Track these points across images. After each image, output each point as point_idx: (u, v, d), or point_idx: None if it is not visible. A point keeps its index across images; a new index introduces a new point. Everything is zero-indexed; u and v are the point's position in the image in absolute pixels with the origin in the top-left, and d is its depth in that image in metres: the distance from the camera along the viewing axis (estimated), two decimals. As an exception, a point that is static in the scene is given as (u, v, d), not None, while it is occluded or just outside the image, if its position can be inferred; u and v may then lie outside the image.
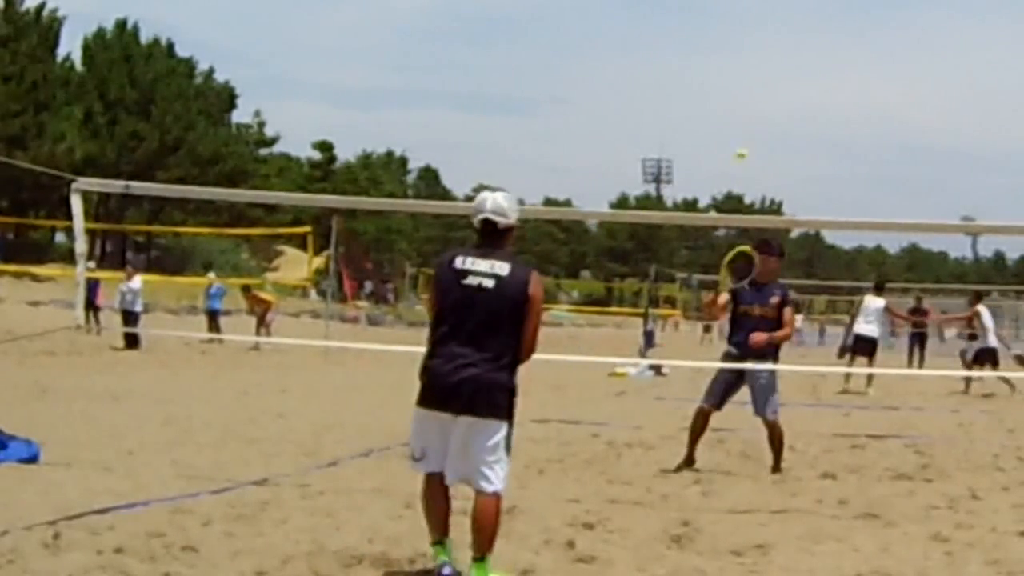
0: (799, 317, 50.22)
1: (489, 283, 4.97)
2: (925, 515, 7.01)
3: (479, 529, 4.92)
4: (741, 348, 8.44)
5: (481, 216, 5.11)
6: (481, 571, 4.90)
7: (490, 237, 5.10)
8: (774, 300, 8.45)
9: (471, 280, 4.98)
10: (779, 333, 8.48)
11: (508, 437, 4.99)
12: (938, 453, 10.04)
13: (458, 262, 5.05)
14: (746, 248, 8.49)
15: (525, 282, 5.01)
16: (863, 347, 18.19)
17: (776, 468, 8.62)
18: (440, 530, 5.04)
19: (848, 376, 17.64)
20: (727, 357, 8.60)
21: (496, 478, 4.94)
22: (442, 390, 4.94)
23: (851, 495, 7.65)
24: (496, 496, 4.94)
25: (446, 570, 4.96)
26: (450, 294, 5.02)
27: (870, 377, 17.24)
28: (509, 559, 5.37)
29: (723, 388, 8.50)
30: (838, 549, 5.97)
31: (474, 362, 4.90)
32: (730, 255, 8.49)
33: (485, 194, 5.21)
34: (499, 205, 5.11)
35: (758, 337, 8.32)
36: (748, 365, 8.36)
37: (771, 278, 8.54)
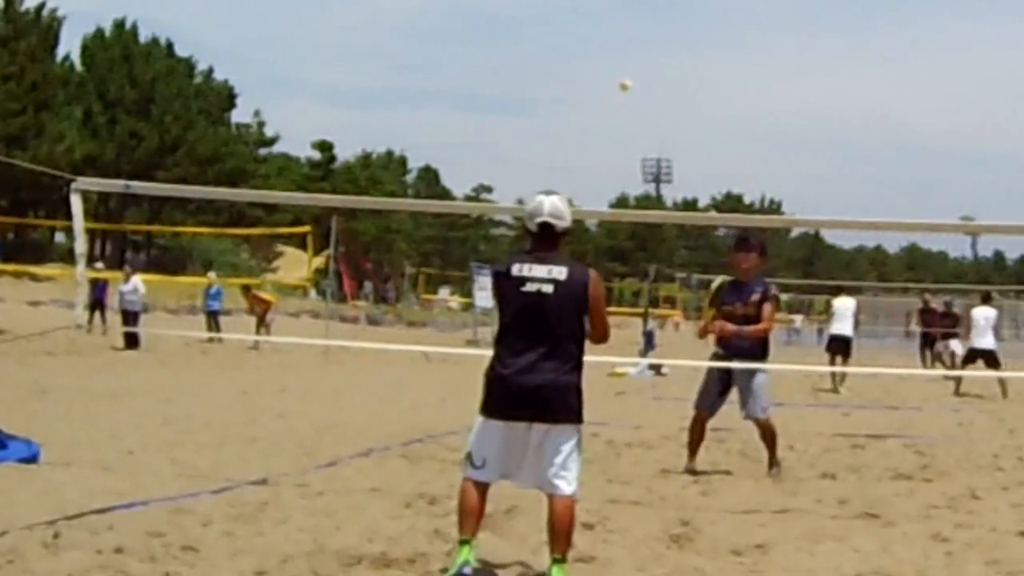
0: (798, 317, 50.38)
1: (549, 288, 5.02)
2: (925, 515, 7.00)
3: (558, 531, 5.00)
4: (728, 349, 8.41)
5: (539, 220, 5.14)
6: (561, 570, 4.96)
7: (546, 241, 5.15)
8: (755, 298, 8.35)
9: (530, 287, 5.03)
10: (748, 329, 8.27)
11: (580, 439, 5.09)
12: (938, 453, 10.03)
13: (515, 269, 5.09)
14: (728, 279, 8.54)
15: (585, 284, 5.08)
16: (837, 347, 19.12)
17: (772, 463, 8.57)
18: (471, 530, 5.06)
19: (835, 376, 18.07)
20: (715, 359, 8.55)
21: (572, 480, 5.04)
22: (516, 398, 4.99)
23: (851, 495, 7.64)
24: (573, 498, 5.03)
25: (466, 570, 4.97)
26: (512, 303, 5.07)
27: (843, 376, 17.81)
28: (509, 559, 5.37)
29: (715, 391, 8.45)
30: (838, 549, 5.97)
31: (545, 368, 4.99)
32: (714, 288, 8.55)
33: (541, 198, 5.21)
34: (557, 208, 5.16)
35: (725, 327, 8.27)
36: (736, 364, 8.33)
37: (753, 276, 8.53)
